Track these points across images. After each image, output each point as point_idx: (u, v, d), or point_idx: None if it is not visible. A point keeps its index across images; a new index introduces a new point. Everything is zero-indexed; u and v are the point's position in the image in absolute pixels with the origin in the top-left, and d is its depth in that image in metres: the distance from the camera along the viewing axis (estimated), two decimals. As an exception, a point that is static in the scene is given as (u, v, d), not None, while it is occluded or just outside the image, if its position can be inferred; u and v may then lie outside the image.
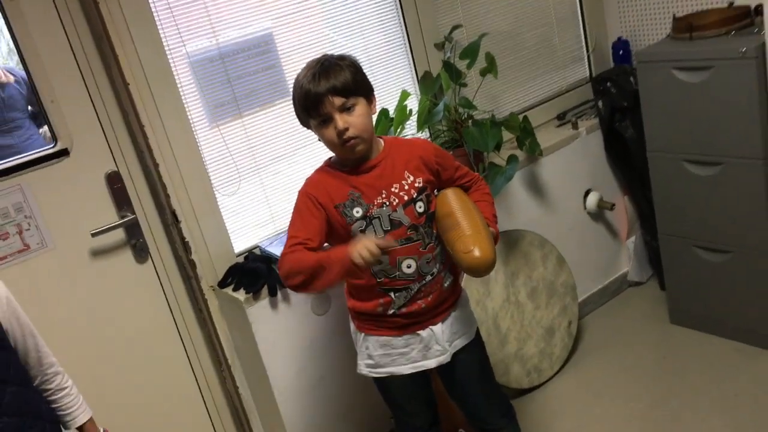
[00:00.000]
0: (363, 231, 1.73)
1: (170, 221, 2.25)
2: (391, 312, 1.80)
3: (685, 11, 2.83)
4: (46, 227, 2.09)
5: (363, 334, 1.87)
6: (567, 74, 3.18)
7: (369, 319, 1.84)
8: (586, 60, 3.25)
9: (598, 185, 3.07)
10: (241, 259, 2.37)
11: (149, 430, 2.32)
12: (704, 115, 2.46)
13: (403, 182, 1.76)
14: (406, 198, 1.75)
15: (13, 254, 2.06)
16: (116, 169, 2.19)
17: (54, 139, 2.08)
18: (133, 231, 2.24)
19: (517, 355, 2.67)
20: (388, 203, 1.74)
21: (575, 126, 3.01)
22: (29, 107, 2.45)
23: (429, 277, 1.78)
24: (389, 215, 1.74)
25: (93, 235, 2.14)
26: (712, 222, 2.61)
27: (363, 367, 1.92)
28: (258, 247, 2.40)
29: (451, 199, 1.79)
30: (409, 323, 1.82)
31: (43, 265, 2.10)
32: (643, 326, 3.01)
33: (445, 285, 1.83)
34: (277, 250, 2.30)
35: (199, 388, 2.45)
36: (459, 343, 1.88)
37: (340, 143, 1.69)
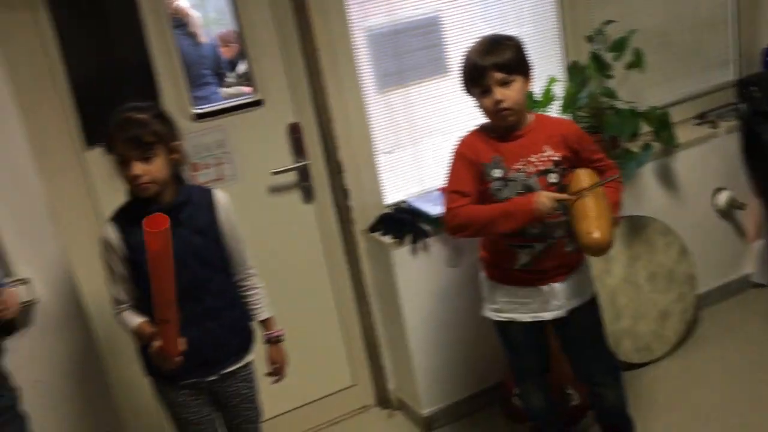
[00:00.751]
0: (499, 190, 2.02)
1: (335, 170, 2.63)
2: (517, 267, 2.07)
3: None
4: (237, 163, 2.53)
5: (491, 281, 2.17)
6: (711, 76, 3.28)
7: (498, 269, 2.13)
8: (732, 64, 3.33)
9: (730, 185, 3.17)
10: (389, 211, 2.71)
11: (290, 351, 2.72)
12: None
13: (542, 154, 2.02)
14: (541, 168, 2.02)
15: (211, 182, 2.50)
16: (297, 121, 2.59)
17: (254, 90, 2.51)
18: (304, 175, 2.64)
19: (630, 332, 2.86)
20: (524, 170, 2.01)
21: (714, 125, 3.12)
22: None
23: (551, 240, 2.04)
24: (524, 180, 2.01)
25: (273, 173, 2.56)
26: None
27: (488, 311, 2.21)
28: (405, 201, 2.73)
29: (583, 179, 2.02)
30: (532, 278, 2.09)
31: (231, 194, 2.51)
32: (760, 327, 3.09)
33: (567, 249, 2.08)
34: (423, 205, 2.63)
35: (339, 319, 2.83)
36: (575, 302, 2.13)
37: (494, 112, 1.98)
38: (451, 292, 2.68)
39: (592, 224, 1.92)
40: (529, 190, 2.01)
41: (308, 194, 2.67)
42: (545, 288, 2.09)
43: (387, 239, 2.58)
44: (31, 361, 2.08)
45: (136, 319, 1.86)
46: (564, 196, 1.94)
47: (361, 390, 2.95)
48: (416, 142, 2.76)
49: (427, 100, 2.74)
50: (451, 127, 2.75)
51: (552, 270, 2.08)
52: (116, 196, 1.90)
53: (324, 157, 2.65)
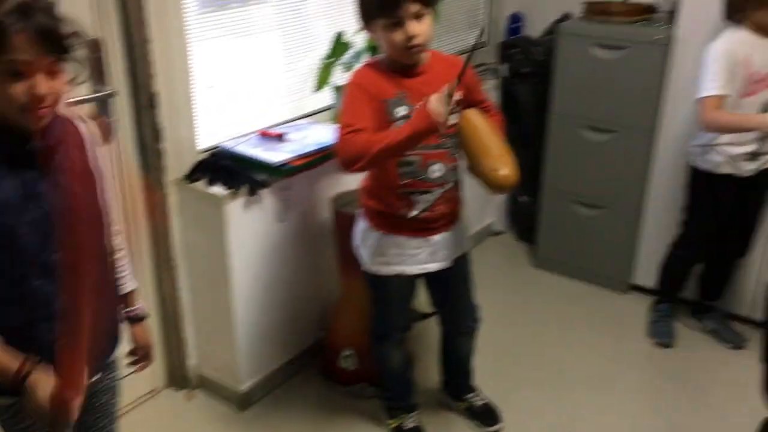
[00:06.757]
0: None
1: (146, 104, 2.10)
2: (412, 215, 1.91)
3: (576, 0, 3.20)
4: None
5: (379, 232, 1.96)
6: (463, 37, 3.45)
7: (388, 219, 1.94)
8: (483, 28, 3.56)
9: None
10: (207, 157, 2.28)
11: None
12: (610, 88, 2.91)
13: None
14: None
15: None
16: (97, 36, 1.98)
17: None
18: (105, 107, 2.05)
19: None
20: None
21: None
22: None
23: (449, 185, 1.94)
24: None
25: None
26: (595, 182, 3.08)
27: (371, 264, 2.01)
28: (223, 146, 2.32)
29: (478, 119, 1.95)
30: (425, 227, 1.95)
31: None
32: (509, 269, 3.43)
33: (458, 194, 2.00)
34: (252, 151, 2.27)
35: (131, 289, 2.31)
36: (458, 252, 2.06)
37: (406, 48, 1.77)
38: (278, 249, 2.38)
39: (498, 161, 1.85)
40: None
41: (106, 132, 2.09)
42: (435, 238, 1.98)
43: (217, 191, 2.16)
44: None
45: None
46: (454, 93, 1.70)
47: (148, 371, 2.45)
48: (235, 78, 2.36)
49: (247, 29, 2.35)
50: (270, 63, 2.43)
51: (442, 218, 1.97)
52: None
53: (130, 86, 2.09)
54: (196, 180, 2.21)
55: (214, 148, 2.32)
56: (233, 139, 2.36)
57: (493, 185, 1.88)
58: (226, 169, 2.21)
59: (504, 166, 1.85)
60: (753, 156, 2.44)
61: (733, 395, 2.52)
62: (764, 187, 2.59)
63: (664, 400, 2.55)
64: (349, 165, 1.76)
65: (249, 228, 2.24)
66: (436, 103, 1.67)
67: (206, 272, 2.31)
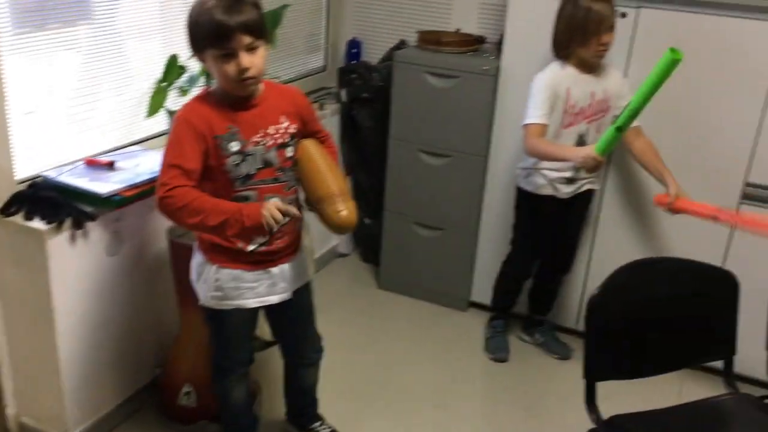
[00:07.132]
0: (237, 165, 1.80)
1: (-50, 132, 1.91)
2: (249, 249, 1.87)
3: (411, 28, 3.33)
4: None
5: (215, 266, 1.90)
6: (304, 61, 3.47)
7: (224, 252, 1.88)
8: (323, 52, 3.60)
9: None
10: (24, 188, 2.11)
11: None
12: (444, 115, 3.02)
13: (279, 126, 1.87)
14: (279, 141, 1.87)
15: None
16: None
17: None
18: None
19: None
20: (263, 143, 1.83)
21: (321, 108, 3.33)
22: None
23: (288, 218, 1.92)
24: (262, 154, 1.83)
25: None
26: (433, 204, 3.18)
27: (209, 299, 1.93)
28: (41, 176, 2.16)
29: (315, 152, 1.95)
30: (263, 260, 1.92)
31: None
32: (354, 291, 3.46)
33: (298, 226, 1.99)
34: (76, 181, 2.13)
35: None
36: (299, 283, 2.04)
37: (238, 80, 1.73)
38: (109, 285, 2.24)
39: (339, 203, 1.87)
40: (268, 164, 1.85)
41: None
42: (275, 270, 1.95)
43: (36, 225, 2.00)
44: None
45: None
46: (293, 210, 1.79)
47: (-39, 425, 2.24)
48: (54, 103, 2.20)
49: (71, 50, 2.21)
50: (95, 86, 2.30)
51: (283, 250, 1.95)
52: None
53: (-69, 112, 1.90)
54: (12, 214, 2.03)
55: (35, 178, 2.16)
56: (56, 168, 2.21)
57: (334, 228, 1.89)
58: (48, 200, 2.06)
59: (345, 208, 1.87)
60: (569, 180, 2.63)
61: (561, 405, 2.69)
62: (582, 209, 2.80)
63: (500, 413, 2.67)
64: (171, 213, 1.73)
65: (75, 264, 2.10)
66: (273, 210, 1.71)
67: (26, 313, 2.13)
